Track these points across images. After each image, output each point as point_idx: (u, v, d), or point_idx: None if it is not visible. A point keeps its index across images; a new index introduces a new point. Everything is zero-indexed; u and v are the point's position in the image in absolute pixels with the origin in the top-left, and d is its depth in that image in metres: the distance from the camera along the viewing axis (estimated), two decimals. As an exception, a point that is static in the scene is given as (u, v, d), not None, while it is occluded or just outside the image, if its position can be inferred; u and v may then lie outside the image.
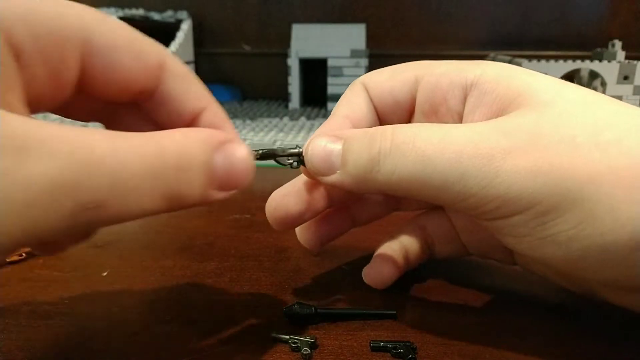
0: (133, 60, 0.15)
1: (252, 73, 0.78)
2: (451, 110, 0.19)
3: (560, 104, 0.16)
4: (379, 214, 0.23)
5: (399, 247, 0.22)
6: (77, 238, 0.15)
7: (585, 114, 0.16)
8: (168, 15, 0.71)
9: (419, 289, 0.22)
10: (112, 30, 0.15)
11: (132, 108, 0.17)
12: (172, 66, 0.17)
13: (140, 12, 0.68)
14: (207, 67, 0.78)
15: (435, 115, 0.20)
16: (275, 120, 0.58)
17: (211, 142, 0.15)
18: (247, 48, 0.78)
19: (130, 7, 0.69)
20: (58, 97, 0.15)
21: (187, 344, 0.18)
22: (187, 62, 0.72)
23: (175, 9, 0.74)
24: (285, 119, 0.59)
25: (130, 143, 0.13)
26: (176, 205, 0.14)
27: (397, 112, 0.21)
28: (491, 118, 0.17)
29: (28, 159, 0.11)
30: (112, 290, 0.21)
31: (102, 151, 0.12)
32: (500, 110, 0.17)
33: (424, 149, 0.16)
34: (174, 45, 0.67)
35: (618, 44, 0.65)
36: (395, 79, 0.20)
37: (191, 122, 0.17)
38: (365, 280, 0.22)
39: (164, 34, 0.70)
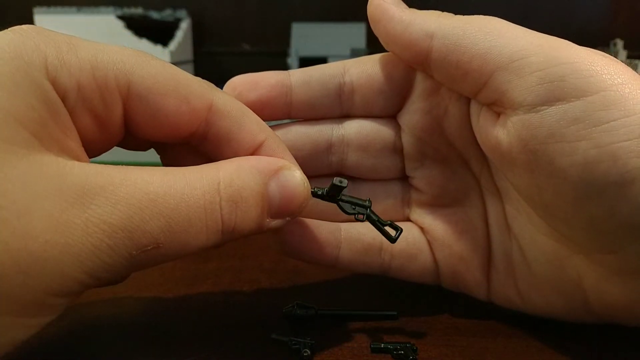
0: (178, 105, 0.15)
1: (251, 72, 0.78)
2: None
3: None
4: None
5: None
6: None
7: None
8: (167, 14, 0.71)
9: (419, 290, 0.22)
10: (153, 74, 0.14)
11: (187, 145, 0.17)
12: (222, 106, 0.16)
13: (139, 10, 0.68)
14: (206, 66, 0.78)
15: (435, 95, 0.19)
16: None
17: (265, 170, 0.15)
18: (246, 47, 0.77)
19: (129, 5, 0.69)
20: (108, 141, 0.15)
21: (187, 344, 0.17)
22: (187, 61, 0.71)
23: (175, 7, 0.74)
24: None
25: (184, 180, 0.13)
26: (233, 237, 0.14)
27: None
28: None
29: (89, 207, 0.12)
30: (112, 291, 0.21)
31: (156, 192, 0.12)
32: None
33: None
34: (173, 44, 0.67)
35: (620, 43, 0.65)
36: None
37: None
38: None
39: (163, 32, 0.69)
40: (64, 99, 0.13)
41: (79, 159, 0.13)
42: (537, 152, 0.15)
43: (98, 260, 0.12)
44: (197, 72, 0.82)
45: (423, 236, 0.20)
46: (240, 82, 0.19)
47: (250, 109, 0.17)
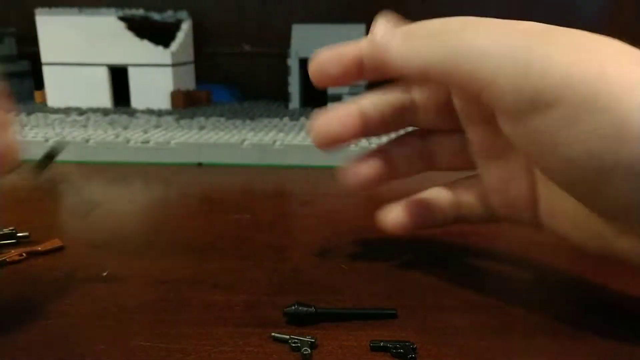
0: None
1: (252, 73, 0.78)
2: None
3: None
4: (416, 166, 0.24)
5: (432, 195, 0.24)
6: None
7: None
8: (168, 15, 0.71)
9: (419, 288, 0.22)
10: None
11: None
12: None
13: (140, 12, 0.68)
14: (207, 67, 0.78)
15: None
16: (275, 121, 0.58)
17: None
18: (247, 48, 0.78)
19: (130, 7, 0.70)
20: None
21: (187, 344, 0.18)
22: (187, 62, 0.72)
23: (175, 9, 0.74)
24: (285, 119, 0.59)
25: None
26: None
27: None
28: None
29: None
30: (112, 290, 0.21)
31: None
32: None
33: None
34: (174, 45, 0.67)
35: (618, 44, 0.65)
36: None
37: None
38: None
39: (164, 33, 0.70)
40: None
41: None
42: (533, 154, 0.16)
43: None
44: (198, 73, 0.82)
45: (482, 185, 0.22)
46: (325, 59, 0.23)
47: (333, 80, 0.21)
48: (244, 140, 0.46)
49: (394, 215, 0.23)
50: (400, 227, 0.23)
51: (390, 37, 0.20)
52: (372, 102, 0.22)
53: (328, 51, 0.22)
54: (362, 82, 0.66)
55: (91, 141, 0.47)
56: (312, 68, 0.22)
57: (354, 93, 0.67)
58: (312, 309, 0.19)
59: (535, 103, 0.16)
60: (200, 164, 0.44)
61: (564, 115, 0.15)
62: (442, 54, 0.18)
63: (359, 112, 0.21)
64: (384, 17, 0.21)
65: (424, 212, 0.23)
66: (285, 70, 0.68)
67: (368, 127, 0.22)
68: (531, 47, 0.16)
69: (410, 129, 0.24)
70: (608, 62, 0.15)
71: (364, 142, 0.45)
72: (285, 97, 0.70)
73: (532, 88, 0.16)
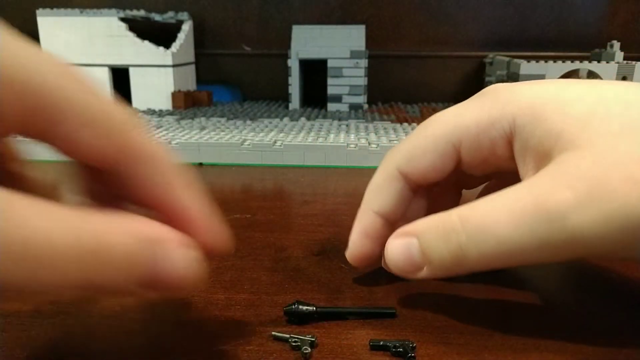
0: (93, 140, 0.14)
1: (252, 74, 0.78)
2: (501, 158, 0.19)
3: (604, 140, 0.16)
4: (454, 199, 0.24)
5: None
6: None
7: (632, 141, 0.16)
8: (169, 16, 0.72)
9: (419, 287, 0.22)
10: (80, 105, 0.13)
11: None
12: (137, 148, 0.15)
13: (141, 12, 0.68)
14: (207, 67, 0.78)
15: (484, 164, 0.20)
16: (275, 121, 0.58)
17: (144, 236, 0.13)
18: (247, 49, 0.78)
19: (131, 8, 0.70)
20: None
21: (186, 344, 0.18)
22: (188, 63, 0.72)
23: (176, 10, 0.74)
24: (286, 120, 0.59)
25: (61, 227, 0.12)
26: (92, 290, 0.13)
27: (441, 178, 0.21)
28: (542, 160, 0.17)
29: None
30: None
31: (29, 232, 0.11)
32: (547, 152, 0.17)
33: (496, 231, 0.16)
34: (175, 46, 0.68)
35: (617, 44, 0.65)
36: (432, 155, 0.20)
37: (159, 204, 0.15)
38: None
39: (165, 34, 0.70)
40: None
41: None
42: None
43: None
44: (199, 73, 0.82)
45: None
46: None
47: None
48: (244, 140, 0.46)
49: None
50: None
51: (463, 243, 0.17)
52: (385, 204, 0.21)
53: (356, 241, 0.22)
54: (363, 83, 0.66)
55: (92, 141, 0.47)
56: (353, 261, 0.22)
57: (353, 94, 0.67)
58: (313, 308, 0.19)
59: (631, 241, 0.15)
60: (201, 164, 0.45)
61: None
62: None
63: (380, 220, 0.21)
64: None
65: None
66: (286, 71, 0.68)
67: (392, 224, 0.21)
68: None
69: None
70: None
71: (363, 142, 0.46)
72: (285, 98, 0.70)
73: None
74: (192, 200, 0.16)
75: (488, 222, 0.16)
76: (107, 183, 0.15)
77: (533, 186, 0.16)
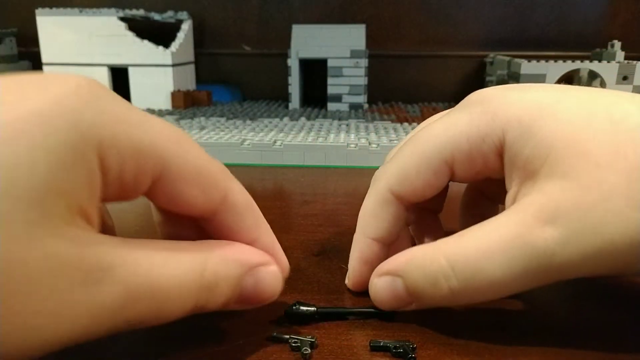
0: (197, 194, 0.16)
1: (252, 73, 0.78)
2: (493, 169, 0.19)
3: (590, 171, 0.16)
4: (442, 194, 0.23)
5: None
6: None
7: (617, 171, 0.16)
8: (168, 16, 0.72)
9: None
10: (185, 163, 0.16)
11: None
12: (233, 199, 0.17)
13: (140, 12, 0.68)
14: (207, 67, 0.78)
15: (476, 175, 0.20)
16: (275, 121, 0.58)
17: (247, 263, 0.17)
18: (247, 48, 0.78)
19: (130, 7, 0.70)
20: (122, 199, 0.16)
21: (186, 344, 0.18)
22: (188, 62, 0.72)
23: (176, 9, 0.74)
24: (286, 119, 0.59)
25: (177, 265, 0.15)
26: (200, 311, 0.16)
27: (434, 193, 0.20)
28: (527, 178, 0.17)
29: (93, 287, 0.13)
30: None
31: (156, 277, 0.14)
32: (530, 173, 0.17)
33: (486, 272, 0.16)
34: (174, 45, 0.67)
35: (617, 44, 0.65)
36: (426, 175, 0.19)
37: (240, 241, 0.18)
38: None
39: (164, 34, 0.70)
40: (104, 174, 0.14)
41: (91, 222, 0.14)
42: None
43: (88, 333, 0.13)
44: (198, 73, 0.82)
45: None
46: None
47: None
48: (244, 140, 0.46)
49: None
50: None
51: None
52: (380, 230, 0.21)
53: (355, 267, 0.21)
54: (363, 82, 0.66)
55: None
56: (355, 289, 0.21)
57: (354, 93, 0.67)
58: (313, 309, 0.19)
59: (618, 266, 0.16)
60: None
61: None
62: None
63: (377, 245, 0.21)
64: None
65: None
66: (285, 71, 0.68)
67: (389, 245, 0.21)
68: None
69: None
70: None
71: (363, 142, 0.46)
72: (285, 97, 0.70)
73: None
74: (269, 238, 0.18)
75: (480, 265, 0.17)
76: (188, 226, 0.18)
77: (519, 221, 0.16)
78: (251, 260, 0.17)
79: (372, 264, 0.20)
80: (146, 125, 0.15)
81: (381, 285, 0.19)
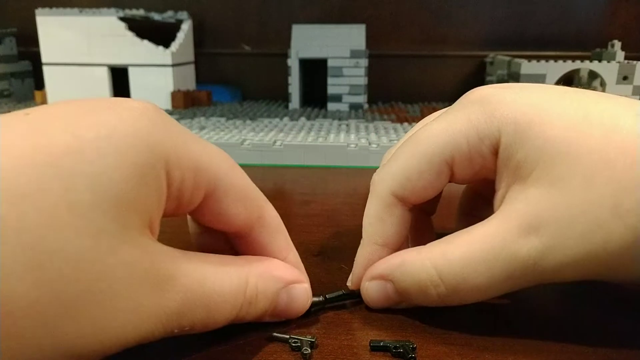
0: (240, 211, 0.18)
1: (252, 73, 0.78)
2: (492, 170, 0.19)
3: (578, 180, 0.16)
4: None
5: None
6: None
7: (604, 181, 0.16)
8: (168, 16, 0.72)
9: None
10: (233, 183, 0.17)
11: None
12: (266, 219, 0.19)
13: (140, 12, 0.68)
14: (207, 67, 0.78)
15: (476, 175, 0.20)
16: (275, 121, 0.58)
17: (283, 280, 0.18)
18: (247, 48, 0.78)
19: (130, 7, 0.70)
20: (176, 214, 0.17)
21: (186, 344, 0.18)
22: (188, 62, 0.72)
23: (176, 9, 0.74)
24: (286, 119, 0.59)
25: (227, 276, 0.16)
26: (238, 322, 0.17)
27: (435, 194, 0.20)
28: (514, 184, 0.18)
29: (159, 294, 0.14)
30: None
31: (209, 286, 0.16)
32: (520, 178, 0.18)
33: (473, 280, 0.17)
34: (174, 45, 0.67)
35: (617, 44, 0.65)
36: (428, 176, 0.19)
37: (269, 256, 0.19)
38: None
39: (164, 34, 0.70)
40: (168, 188, 0.15)
41: (154, 233, 0.15)
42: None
43: (149, 336, 0.14)
44: (198, 73, 0.82)
45: None
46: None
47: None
48: (244, 140, 0.46)
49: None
50: None
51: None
52: (388, 235, 0.20)
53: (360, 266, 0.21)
54: (363, 82, 0.66)
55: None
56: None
57: (354, 93, 0.67)
58: (321, 298, 0.20)
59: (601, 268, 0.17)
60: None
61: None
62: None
63: (385, 250, 0.20)
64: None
65: None
66: (285, 71, 0.68)
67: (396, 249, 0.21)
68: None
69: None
70: None
71: (363, 142, 0.46)
72: (285, 97, 0.70)
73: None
74: (297, 257, 0.20)
75: (466, 274, 0.17)
76: (220, 239, 0.20)
77: (503, 231, 0.17)
78: (286, 277, 0.18)
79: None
80: (203, 145, 0.17)
81: (373, 289, 0.20)
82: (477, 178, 0.20)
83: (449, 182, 0.20)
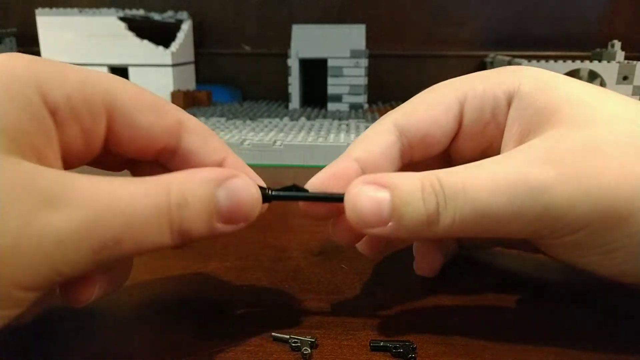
0: (153, 120, 0.17)
1: (252, 73, 0.78)
2: (500, 125, 0.19)
3: (599, 124, 0.16)
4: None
5: None
6: (105, 285, 0.17)
7: (627, 132, 0.16)
8: (168, 16, 0.72)
9: (419, 287, 0.22)
10: (133, 94, 0.17)
11: (158, 165, 0.18)
12: (190, 124, 0.18)
13: (140, 12, 0.68)
14: (207, 67, 0.78)
15: (482, 133, 0.19)
16: (275, 121, 0.58)
17: (213, 178, 0.16)
18: (247, 48, 0.78)
19: (130, 7, 0.70)
20: (88, 154, 0.17)
21: (186, 344, 0.18)
22: (188, 62, 0.72)
23: (176, 9, 0.74)
24: (286, 119, 0.59)
25: (142, 186, 0.15)
26: (185, 238, 0.15)
27: (440, 142, 0.19)
28: (528, 132, 0.18)
29: (57, 210, 0.13)
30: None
31: (117, 195, 0.14)
32: (537, 124, 0.17)
33: (476, 196, 0.16)
34: (174, 45, 0.68)
35: (617, 44, 0.65)
36: (436, 109, 0.19)
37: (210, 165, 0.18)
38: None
39: (164, 34, 0.70)
40: (54, 113, 0.15)
41: (50, 165, 0.14)
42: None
43: (64, 257, 0.13)
44: (199, 73, 0.82)
45: None
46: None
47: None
48: (244, 140, 0.46)
49: None
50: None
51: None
52: (367, 152, 0.19)
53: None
54: (363, 82, 0.66)
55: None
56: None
57: (354, 93, 0.67)
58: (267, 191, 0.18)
59: (605, 225, 0.16)
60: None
61: (631, 230, 0.16)
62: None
63: (356, 167, 0.19)
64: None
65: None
66: (286, 71, 0.68)
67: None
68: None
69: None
70: None
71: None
72: (285, 97, 0.70)
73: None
74: (237, 159, 0.19)
75: (469, 187, 0.16)
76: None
77: (519, 157, 0.16)
78: (218, 176, 0.16)
79: (340, 181, 0.18)
80: (87, 69, 0.16)
81: (364, 194, 0.16)
82: (482, 141, 0.19)
83: (456, 138, 0.19)
